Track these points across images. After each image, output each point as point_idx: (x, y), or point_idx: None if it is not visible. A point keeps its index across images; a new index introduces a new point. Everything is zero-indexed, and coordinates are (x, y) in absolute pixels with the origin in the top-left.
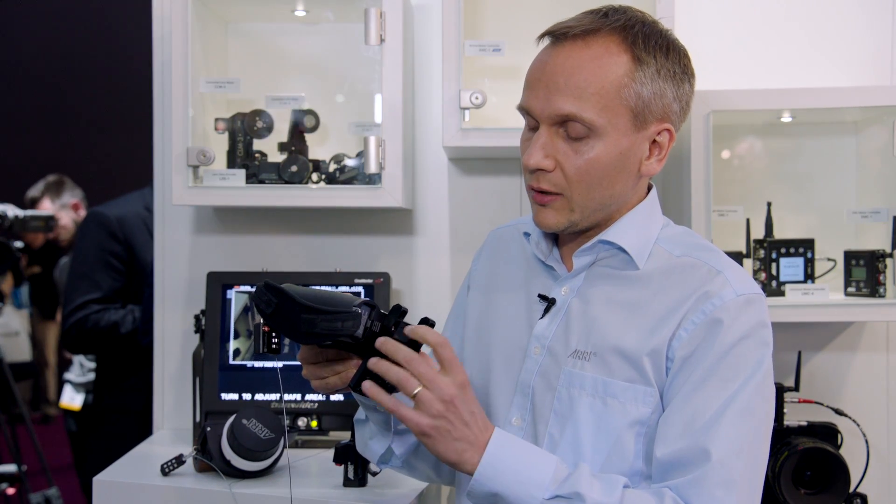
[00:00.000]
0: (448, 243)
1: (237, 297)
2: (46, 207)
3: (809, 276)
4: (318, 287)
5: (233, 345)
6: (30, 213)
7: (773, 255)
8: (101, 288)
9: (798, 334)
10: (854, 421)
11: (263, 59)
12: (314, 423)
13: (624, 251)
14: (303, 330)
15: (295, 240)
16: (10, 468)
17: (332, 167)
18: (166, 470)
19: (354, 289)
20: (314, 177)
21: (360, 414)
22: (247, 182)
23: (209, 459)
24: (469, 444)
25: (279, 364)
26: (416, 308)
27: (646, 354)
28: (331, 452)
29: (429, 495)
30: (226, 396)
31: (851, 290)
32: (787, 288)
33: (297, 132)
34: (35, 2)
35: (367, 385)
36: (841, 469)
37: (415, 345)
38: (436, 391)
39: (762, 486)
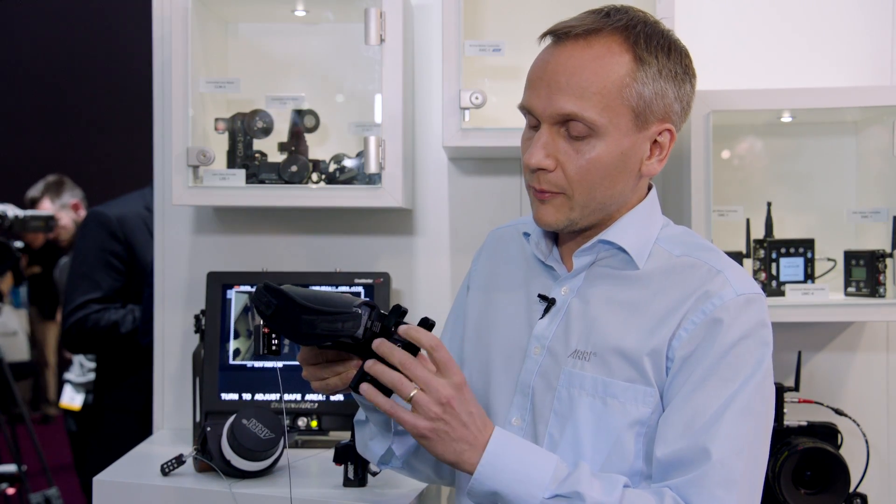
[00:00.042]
0: (448, 243)
1: (237, 297)
2: (46, 207)
3: (809, 276)
4: (317, 287)
5: (233, 345)
6: (30, 213)
7: (773, 255)
8: (102, 287)
9: (798, 334)
10: (854, 421)
11: (263, 59)
12: (314, 423)
13: (624, 251)
14: (303, 331)
15: (295, 240)
16: (10, 468)
17: (332, 167)
18: (166, 470)
19: (354, 289)
20: (314, 177)
21: (361, 415)
22: (247, 182)
23: (209, 459)
24: (468, 444)
25: (279, 364)
26: (416, 308)
27: (646, 354)
28: (331, 452)
29: (429, 495)
30: (226, 396)
31: (851, 290)
32: (787, 288)
33: (297, 132)
34: (35, 2)
35: (365, 388)
36: (841, 469)
37: (413, 346)
38: (432, 394)
39: (762, 485)
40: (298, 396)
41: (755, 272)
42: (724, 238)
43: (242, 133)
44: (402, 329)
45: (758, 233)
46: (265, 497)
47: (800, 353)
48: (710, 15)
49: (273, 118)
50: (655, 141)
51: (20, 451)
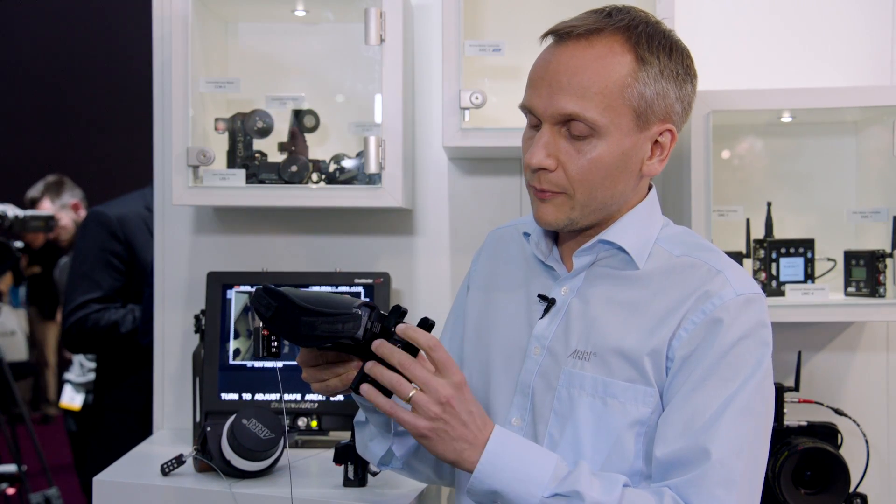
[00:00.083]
0: (448, 243)
1: (237, 297)
2: (46, 207)
3: (809, 276)
4: (317, 288)
5: (233, 345)
6: (30, 213)
7: (773, 255)
8: (102, 287)
9: (798, 334)
10: (854, 421)
11: (263, 59)
12: (314, 423)
13: (624, 251)
14: (303, 333)
15: (295, 240)
16: (10, 468)
17: (332, 167)
18: (166, 470)
19: (354, 289)
20: (314, 177)
21: (361, 416)
22: (247, 182)
23: (209, 459)
24: (468, 443)
25: (279, 364)
26: (416, 308)
27: (646, 354)
28: (331, 452)
29: (429, 495)
30: (226, 396)
31: (851, 290)
32: (787, 288)
33: (297, 132)
34: (35, 2)
35: (366, 388)
36: (841, 469)
37: (412, 347)
38: (431, 393)
39: (762, 485)
40: (298, 396)
41: (755, 272)
42: (724, 238)
43: (242, 133)
44: (399, 328)
45: (758, 233)
46: (265, 497)
47: (800, 353)
48: (710, 15)
49: (273, 118)
50: (656, 141)
51: (20, 451)
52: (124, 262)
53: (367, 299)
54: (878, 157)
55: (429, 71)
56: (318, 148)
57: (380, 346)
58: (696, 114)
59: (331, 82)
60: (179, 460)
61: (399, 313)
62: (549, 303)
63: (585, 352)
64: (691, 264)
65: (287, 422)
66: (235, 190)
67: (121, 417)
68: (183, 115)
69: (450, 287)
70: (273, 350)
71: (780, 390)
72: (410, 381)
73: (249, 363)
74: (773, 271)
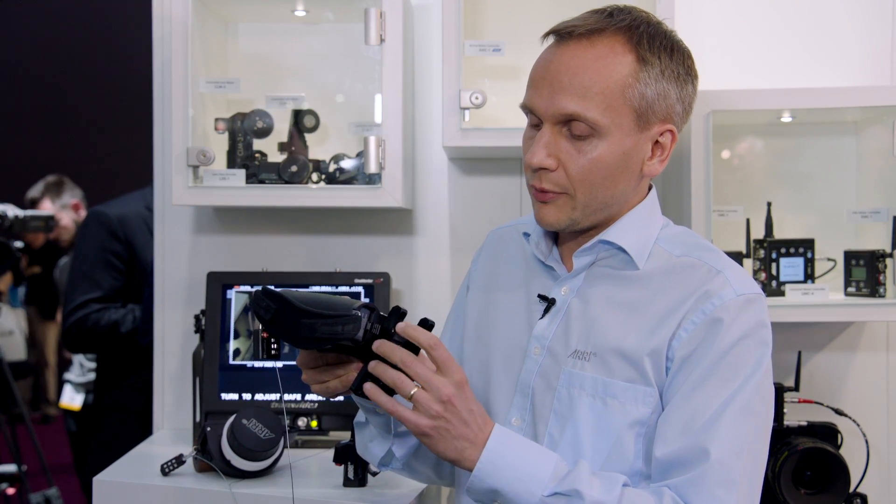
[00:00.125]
0: (448, 243)
1: (237, 297)
2: (46, 207)
3: (809, 276)
4: (317, 288)
5: (233, 345)
6: (30, 213)
7: (773, 255)
8: (102, 287)
9: (798, 334)
10: (854, 421)
11: (263, 59)
12: (314, 423)
13: (624, 251)
14: (303, 335)
15: (295, 240)
16: (10, 468)
17: (332, 167)
18: (166, 470)
19: (354, 289)
20: (314, 177)
21: (360, 417)
22: (247, 182)
23: (209, 459)
24: (469, 441)
25: (279, 364)
26: (416, 308)
27: (646, 354)
28: (331, 452)
29: (429, 495)
30: (226, 396)
31: (851, 290)
32: (787, 288)
33: (297, 132)
34: (35, 2)
35: (369, 387)
36: (841, 469)
37: (413, 347)
38: (433, 392)
39: (762, 485)
40: (298, 396)
41: (755, 272)
42: (724, 238)
43: (242, 133)
44: (400, 326)
45: (758, 233)
46: (265, 497)
47: (800, 353)
48: (710, 15)
49: (273, 118)
50: (657, 141)
51: (20, 451)
52: (124, 261)
53: (367, 300)
54: (878, 157)
55: (429, 71)
56: (318, 148)
57: (381, 344)
58: (696, 114)
59: (331, 82)
60: (179, 460)
61: (399, 314)
62: (549, 303)
63: (585, 352)
64: (691, 264)
65: (287, 422)
66: (235, 190)
67: (121, 417)
68: (183, 115)
69: (450, 287)
70: (273, 352)
71: (780, 390)
72: (412, 380)
73: (249, 363)
74: (773, 271)
